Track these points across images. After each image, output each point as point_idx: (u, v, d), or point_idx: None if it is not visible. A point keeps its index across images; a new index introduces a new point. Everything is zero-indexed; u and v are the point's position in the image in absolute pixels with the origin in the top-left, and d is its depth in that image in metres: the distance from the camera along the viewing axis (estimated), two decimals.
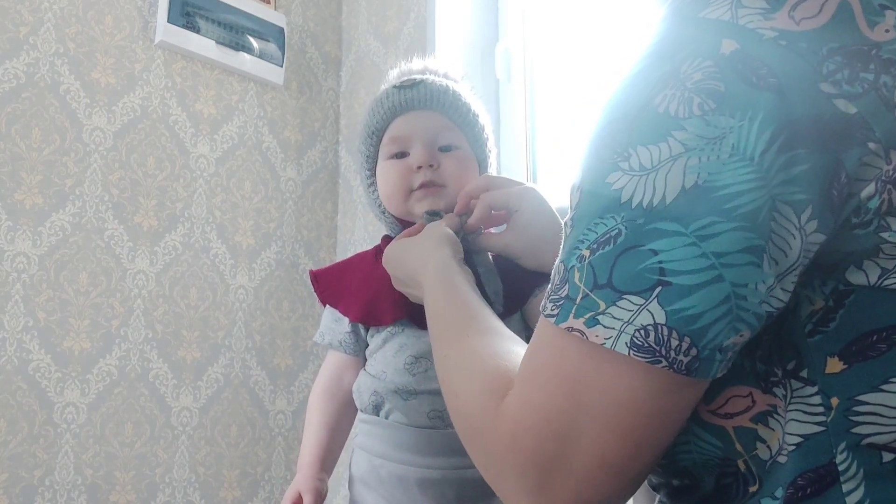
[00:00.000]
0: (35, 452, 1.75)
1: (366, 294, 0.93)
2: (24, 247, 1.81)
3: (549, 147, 2.19)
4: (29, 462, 1.74)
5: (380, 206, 0.98)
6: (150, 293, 1.99)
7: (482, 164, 1.00)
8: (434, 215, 0.90)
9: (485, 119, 1.01)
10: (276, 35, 2.31)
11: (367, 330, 0.95)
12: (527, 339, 0.88)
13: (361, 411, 0.94)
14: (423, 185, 0.93)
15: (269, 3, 2.36)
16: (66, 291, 1.86)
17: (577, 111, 2.14)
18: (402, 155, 0.94)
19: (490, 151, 1.01)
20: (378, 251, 0.97)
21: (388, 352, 0.91)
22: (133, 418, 1.91)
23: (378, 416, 0.90)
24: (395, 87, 0.96)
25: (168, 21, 2.08)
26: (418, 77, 0.97)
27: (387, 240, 0.97)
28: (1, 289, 1.76)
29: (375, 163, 0.97)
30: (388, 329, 0.92)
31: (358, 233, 2.36)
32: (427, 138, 0.94)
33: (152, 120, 2.08)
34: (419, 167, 0.92)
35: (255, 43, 2.26)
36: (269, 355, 2.19)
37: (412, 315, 0.90)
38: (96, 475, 1.83)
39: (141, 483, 1.90)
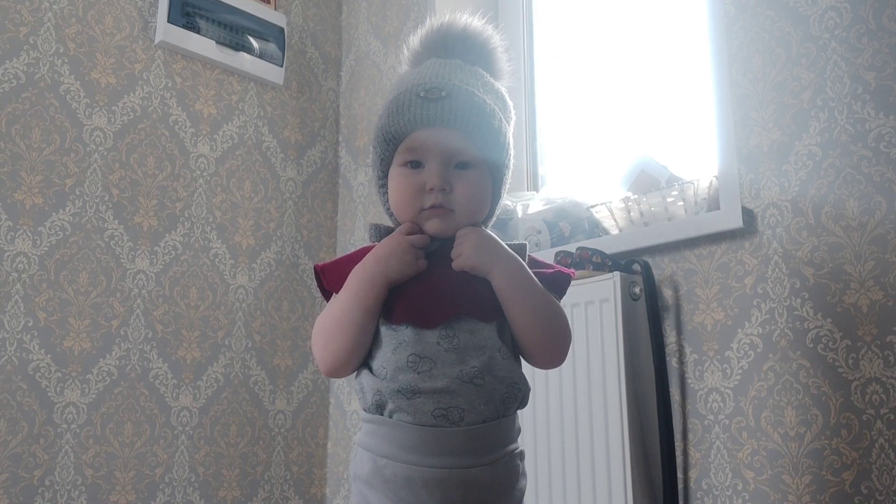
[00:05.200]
0: (35, 452, 1.75)
1: None
2: (24, 247, 1.81)
3: (549, 146, 2.19)
4: (29, 462, 1.74)
5: (388, 208, 0.98)
6: (150, 293, 1.99)
7: (498, 180, 0.99)
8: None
9: (508, 122, 0.99)
10: (276, 35, 2.31)
11: None
12: (504, 344, 0.92)
13: (364, 410, 0.93)
14: (433, 207, 0.92)
15: (269, 3, 2.36)
16: (66, 291, 1.86)
17: (578, 110, 2.14)
18: (416, 164, 0.93)
19: (509, 162, 1.00)
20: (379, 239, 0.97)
21: (387, 348, 0.91)
22: (133, 418, 1.91)
23: (382, 415, 0.90)
24: (419, 95, 0.92)
25: (168, 21, 2.08)
26: (444, 87, 0.93)
27: (375, 228, 0.97)
28: (1, 289, 1.76)
29: (389, 165, 0.96)
30: (391, 325, 0.92)
31: (358, 233, 2.36)
32: (444, 157, 0.92)
33: (152, 120, 2.08)
34: (431, 189, 0.92)
35: (255, 43, 2.26)
36: (268, 355, 2.19)
37: (418, 319, 0.90)
38: (96, 475, 1.83)
39: (141, 483, 1.90)
